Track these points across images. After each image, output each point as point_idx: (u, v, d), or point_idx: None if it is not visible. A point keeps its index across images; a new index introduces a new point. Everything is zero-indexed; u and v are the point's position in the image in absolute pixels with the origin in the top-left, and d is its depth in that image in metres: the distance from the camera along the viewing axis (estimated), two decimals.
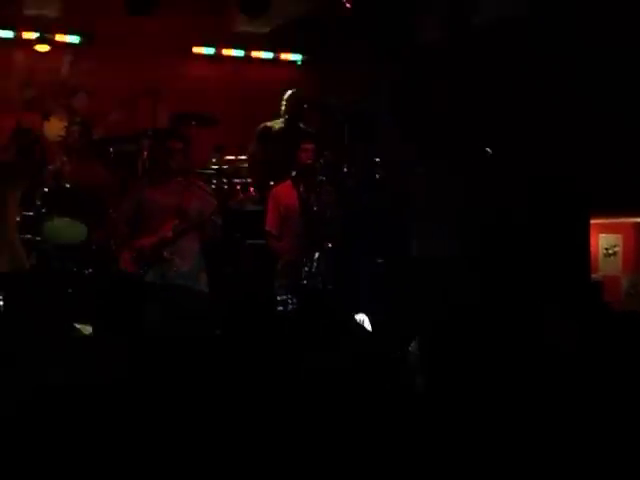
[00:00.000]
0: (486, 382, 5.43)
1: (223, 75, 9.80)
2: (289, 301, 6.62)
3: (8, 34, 9.08)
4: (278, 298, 6.72)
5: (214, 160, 8.22)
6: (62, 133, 7.94)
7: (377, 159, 7.79)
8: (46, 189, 7.20)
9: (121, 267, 6.39)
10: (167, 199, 6.36)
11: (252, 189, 8.09)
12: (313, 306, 6.64)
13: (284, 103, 8.30)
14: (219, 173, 8.04)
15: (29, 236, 7.11)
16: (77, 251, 7.12)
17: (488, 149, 6.66)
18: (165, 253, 6.23)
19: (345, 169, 7.84)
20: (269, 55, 10.07)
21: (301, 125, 8.26)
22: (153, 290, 6.20)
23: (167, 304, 6.12)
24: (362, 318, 6.82)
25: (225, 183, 7.92)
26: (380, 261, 7.40)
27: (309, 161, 6.95)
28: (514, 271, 6.87)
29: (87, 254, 7.16)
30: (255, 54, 10.00)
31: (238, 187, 8.03)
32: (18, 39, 9.05)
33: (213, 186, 7.88)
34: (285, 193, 7.02)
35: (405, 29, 8.45)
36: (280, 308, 6.68)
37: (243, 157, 8.34)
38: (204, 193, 6.55)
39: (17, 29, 8.97)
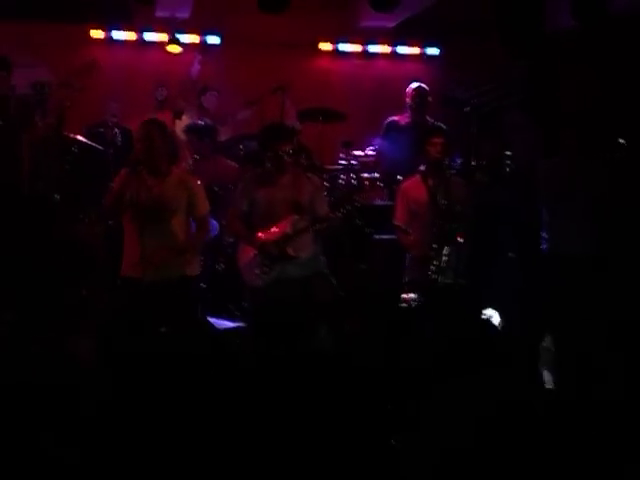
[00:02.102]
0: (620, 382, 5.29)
1: (349, 70, 9.81)
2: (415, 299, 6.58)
3: (143, 36, 9.34)
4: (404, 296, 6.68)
5: (342, 156, 8.25)
6: None
7: (507, 152, 7.68)
8: None
9: (241, 263, 6.42)
10: (280, 193, 6.37)
11: (380, 184, 8.08)
12: (443, 301, 6.57)
13: (410, 97, 8.26)
14: (347, 169, 8.06)
15: None
16: (210, 247, 7.27)
17: (622, 141, 6.44)
18: (289, 250, 6.24)
19: (474, 163, 7.76)
20: (395, 49, 10.02)
21: (429, 118, 8.21)
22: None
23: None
24: (492, 314, 6.72)
25: (353, 178, 7.94)
26: (512, 256, 7.28)
27: (438, 155, 6.88)
28: None
29: (220, 250, 7.30)
30: (382, 49, 9.97)
31: (366, 182, 8.03)
32: (151, 41, 9.29)
33: (341, 181, 7.93)
34: (414, 187, 6.97)
35: (535, 18, 8.26)
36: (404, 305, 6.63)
37: (371, 152, 8.34)
38: (314, 182, 6.54)
39: (150, 31, 9.20)
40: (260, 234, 6.29)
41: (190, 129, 8.00)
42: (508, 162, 7.70)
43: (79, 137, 7.76)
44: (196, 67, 9.26)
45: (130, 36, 9.32)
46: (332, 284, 6.34)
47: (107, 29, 9.20)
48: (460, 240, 6.72)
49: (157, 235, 5.85)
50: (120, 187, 5.84)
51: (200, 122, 8.04)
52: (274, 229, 6.28)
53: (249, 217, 6.42)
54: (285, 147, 6.34)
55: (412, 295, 6.63)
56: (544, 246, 6.46)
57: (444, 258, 6.67)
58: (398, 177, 7.58)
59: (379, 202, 7.92)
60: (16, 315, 6.34)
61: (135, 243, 5.84)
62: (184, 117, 8.53)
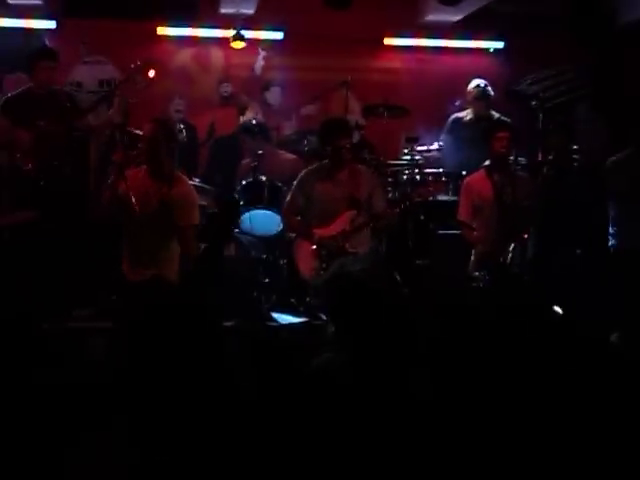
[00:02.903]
0: None
1: (414, 65, 9.74)
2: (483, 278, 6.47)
3: (207, 33, 9.40)
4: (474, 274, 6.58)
5: (405, 151, 8.20)
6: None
7: (575, 147, 7.56)
8: (244, 182, 7.41)
9: (298, 259, 6.40)
10: (338, 189, 6.35)
11: (444, 179, 8.03)
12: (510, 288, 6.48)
13: (474, 91, 8.18)
14: (411, 164, 8.01)
15: None
16: (273, 241, 7.29)
17: None
18: (347, 246, 6.22)
19: (540, 158, 7.65)
20: (460, 43, 9.91)
21: (494, 113, 8.11)
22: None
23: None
24: (558, 310, 6.62)
25: (417, 174, 7.89)
26: (579, 252, 7.17)
27: (503, 150, 6.79)
28: None
29: (283, 245, 7.32)
30: (446, 43, 9.88)
31: (430, 177, 7.98)
32: (216, 37, 9.34)
33: (405, 177, 7.89)
34: (478, 183, 6.90)
35: (604, 11, 8.13)
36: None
37: (435, 147, 8.28)
38: (372, 178, 6.50)
39: (215, 27, 9.26)
40: (317, 230, 6.28)
41: (242, 128, 8.03)
42: (575, 157, 7.58)
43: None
44: (260, 63, 9.30)
45: (195, 32, 9.38)
46: (393, 276, 6.30)
47: (173, 26, 9.27)
48: (525, 236, 6.64)
49: (151, 240, 5.77)
50: (117, 186, 5.73)
51: (252, 121, 8.06)
52: (332, 225, 6.27)
53: (306, 212, 6.41)
54: (344, 142, 6.32)
55: (479, 273, 6.55)
56: (612, 242, 6.35)
57: (509, 254, 6.59)
58: (462, 172, 7.53)
59: (443, 197, 7.86)
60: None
61: (130, 245, 5.84)
62: (248, 113, 8.57)
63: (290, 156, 7.93)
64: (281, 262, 7.28)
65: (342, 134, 6.37)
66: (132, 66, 7.12)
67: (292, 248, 6.57)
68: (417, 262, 7.43)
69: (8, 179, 6.81)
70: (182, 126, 8.06)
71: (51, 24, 8.95)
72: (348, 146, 6.34)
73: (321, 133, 6.65)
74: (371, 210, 6.31)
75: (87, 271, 6.65)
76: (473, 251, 6.85)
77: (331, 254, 6.18)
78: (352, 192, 6.31)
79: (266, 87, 9.03)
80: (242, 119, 8.37)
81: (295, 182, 6.58)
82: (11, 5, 8.79)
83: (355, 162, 6.66)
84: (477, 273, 6.56)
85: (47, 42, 8.67)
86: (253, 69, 9.33)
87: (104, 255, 6.59)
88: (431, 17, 9.49)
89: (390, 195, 7.43)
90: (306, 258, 6.33)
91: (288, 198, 6.60)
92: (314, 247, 6.28)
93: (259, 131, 7.84)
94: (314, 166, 6.61)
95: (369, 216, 6.29)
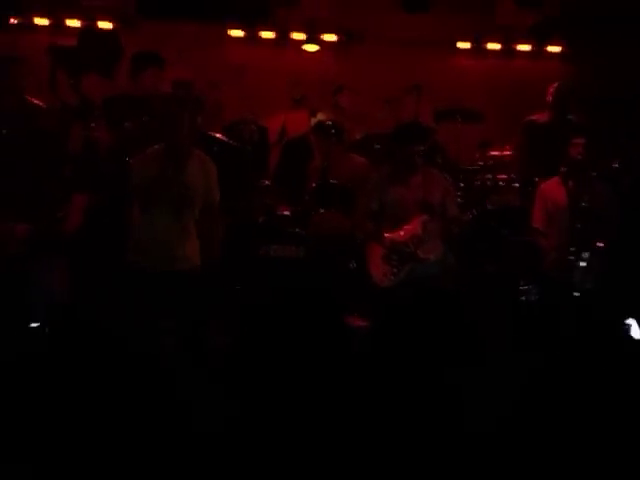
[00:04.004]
0: None
1: (487, 69, 9.66)
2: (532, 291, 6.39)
3: (278, 35, 9.44)
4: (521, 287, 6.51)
5: (478, 156, 8.12)
6: None
7: None
8: (314, 184, 7.41)
9: (369, 263, 6.38)
10: (411, 194, 6.31)
11: (517, 185, 7.91)
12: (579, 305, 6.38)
13: (551, 95, 8.04)
14: (483, 169, 7.92)
15: (297, 230, 7.36)
16: (340, 243, 7.27)
17: None
18: (419, 252, 6.19)
19: (617, 165, 7.49)
20: (534, 47, 9.80)
21: (570, 118, 7.97)
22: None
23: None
24: (631, 323, 6.48)
25: (489, 179, 7.80)
26: None
27: (580, 156, 6.66)
28: None
29: (351, 247, 7.29)
30: (519, 47, 9.77)
31: (502, 183, 7.88)
32: (288, 40, 9.36)
33: (477, 182, 7.80)
34: (553, 189, 6.79)
35: None
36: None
37: (508, 152, 8.17)
38: (445, 183, 6.43)
39: (287, 30, 9.29)
40: (389, 234, 6.25)
41: (317, 127, 8.02)
42: None
43: (219, 135, 7.89)
44: (331, 66, 9.30)
45: (268, 35, 9.42)
46: (459, 285, 6.25)
47: (246, 28, 9.32)
48: (600, 245, 6.51)
49: (172, 222, 5.53)
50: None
51: (328, 121, 8.04)
52: (404, 229, 6.24)
53: (379, 216, 6.39)
54: (418, 147, 6.29)
55: (528, 287, 6.47)
56: None
57: (583, 263, 6.47)
58: (536, 179, 7.41)
59: (516, 203, 7.75)
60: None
61: (146, 229, 5.56)
62: (319, 115, 8.56)
63: (360, 159, 7.90)
64: (351, 265, 7.26)
65: (416, 139, 6.33)
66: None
67: (363, 252, 6.54)
68: (486, 268, 7.36)
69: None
70: (254, 128, 8.09)
71: (123, 25, 9.07)
72: (422, 151, 6.30)
73: (395, 137, 6.61)
74: (444, 215, 6.26)
75: None
76: (546, 258, 6.74)
77: (403, 259, 6.15)
78: (425, 196, 6.27)
79: (338, 90, 9.01)
80: (313, 120, 8.38)
81: (367, 186, 6.55)
82: (85, 6, 8.92)
83: (428, 166, 6.61)
84: (526, 286, 6.48)
85: (122, 44, 8.77)
86: (325, 72, 9.32)
87: None
88: (506, 20, 9.39)
89: (461, 200, 7.35)
90: (377, 262, 6.31)
91: (360, 201, 6.58)
92: (385, 251, 6.25)
93: (334, 132, 7.84)
94: (386, 170, 6.57)
95: (442, 221, 6.24)
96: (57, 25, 9.15)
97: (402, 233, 6.25)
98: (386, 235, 6.29)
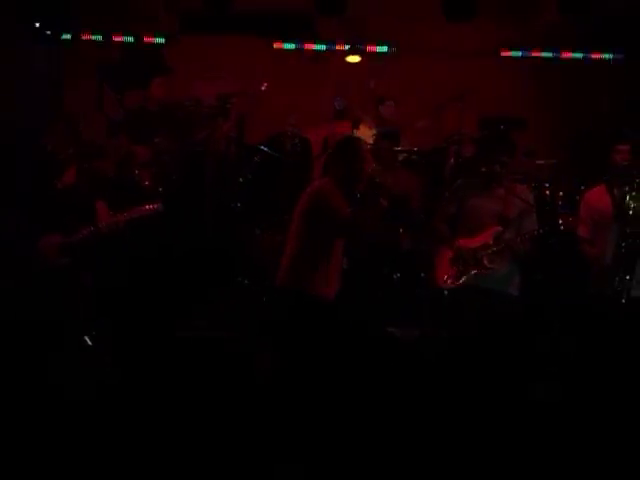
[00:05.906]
0: None
1: (532, 77, 9.57)
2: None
3: (322, 47, 9.47)
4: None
5: (523, 164, 8.04)
6: (371, 141, 8.14)
7: None
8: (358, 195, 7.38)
9: (437, 262, 6.38)
10: (490, 205, 6.29)
11: (562, 194, 7.83)
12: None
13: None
14: (528, 178, 7.84)
15: None
16: (387, 255, 7.25)
17: None
18: (485, 260, 6.16)
19: None
20: (580, 55, 9.70)
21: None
22: (468, 294, 6.14)
23: (481, 307, 6.05)
24: None
25: (534, 188, 7.71)
26: None
27: (625, 163, 6.57)
28: None
29: (396, 258, 7.27)
30: (565, 55, 9.67)
31: (547, 192, 7.80)
32: (330, 51, 9.38)
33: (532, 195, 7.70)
34: (598, 197, 6.69)
35: None
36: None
37: (553, 161, 8.09)
38: (526, 204, 6.39)
39: (330, 42, 9.30)
40: (461, 240, 6.26)
41: (383, 135, 7.99)
42: None
43: (261, 147, 7.93)
44: (374, 77, 9.29)
45: (310, 47, 9.44)
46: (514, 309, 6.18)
47: (289, 40, 9.35)
48: None
49: (338, 249, 5.81)
50: None
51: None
52: (476, 238, 6.24)
53: (455, 221, 6.41)
54: (501, 158, 6.28)
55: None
56: None
57: (633, 272, 6.35)
58: (582, 187, 7.32)
59: (559, 211, 7.66)
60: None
61: (328, 258, 5.75)
62: (361, 127, 8.56)
63: (408, 176, 7.88)
64: (394, 276, 7.23)
65: (500, 150, 6.33)
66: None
67: (432, 258, 6.53)
68: (535, 277, 7.28)
69: (112, 191, 6.91)
70: (296, 140, 8.10)
71: (168, 40, 9.15)
72: (506, 163, 6.28)
73: (480, 147, 6.59)
74: (519, 231, 6.23)
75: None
76: (593, 267, 6.64)
77: (467, 264, 6.16)
78: (503, 209, 6.26)
79: (380, 101, 8.99)
80: (355, 132, 8.37)
81: (450, 190, 6.61)
82: (129, 22, 9.02)
83: (513, 181, 6.57)
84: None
85: (164, 58, 8.86)
86: (367, 83, 9.31)
87: None
88: (549, 29, 9.30)
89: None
90: (444, 264, 6.33)
91: (441, 206, 6.60)
92: (452, 254, 6.27)
93: (395, 138, 7.83)
94: (472, 178, 6.56)
95: (514, 236, 6.21)
96: (104, 41, 9.26)
97: (474, 241, 6.27)
98: (457, 239, 6.32)
